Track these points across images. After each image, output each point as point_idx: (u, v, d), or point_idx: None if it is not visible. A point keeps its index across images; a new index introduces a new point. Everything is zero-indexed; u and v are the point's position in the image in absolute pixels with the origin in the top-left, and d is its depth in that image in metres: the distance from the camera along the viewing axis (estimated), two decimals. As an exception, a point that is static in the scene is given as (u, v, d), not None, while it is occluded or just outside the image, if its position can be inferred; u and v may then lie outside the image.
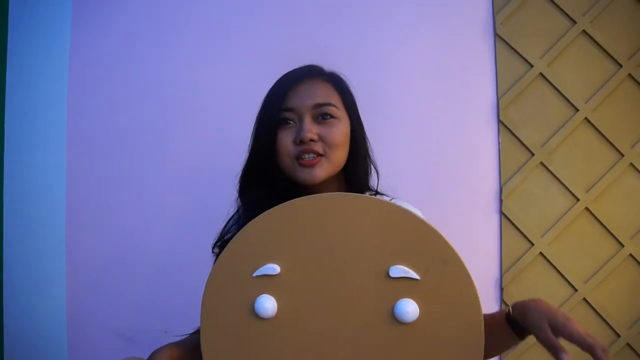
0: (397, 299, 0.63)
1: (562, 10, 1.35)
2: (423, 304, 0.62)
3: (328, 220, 0.66)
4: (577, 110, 1.35)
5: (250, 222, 0.68)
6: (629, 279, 1.37)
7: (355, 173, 0.93)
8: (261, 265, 0.66)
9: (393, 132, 1.34)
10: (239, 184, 0.93)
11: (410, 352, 0.63)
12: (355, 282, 0.64)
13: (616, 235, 1.36)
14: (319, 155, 0.85)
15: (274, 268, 0.66)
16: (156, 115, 1.37)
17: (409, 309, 0.62)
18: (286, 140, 0.86)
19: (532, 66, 1.35)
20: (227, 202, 0.96)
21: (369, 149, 0.96)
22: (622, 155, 1.35)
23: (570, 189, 1.35)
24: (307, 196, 0.68)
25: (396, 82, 1.34)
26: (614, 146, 1.35)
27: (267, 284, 0.66)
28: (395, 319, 0.63)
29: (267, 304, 0.65)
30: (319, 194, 0.67)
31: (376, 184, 0.97)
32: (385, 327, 0.64)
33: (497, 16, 1.36)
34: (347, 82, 0.93)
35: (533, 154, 1.36)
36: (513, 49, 1.35)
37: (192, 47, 1.37)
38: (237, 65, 1.37)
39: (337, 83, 0.92)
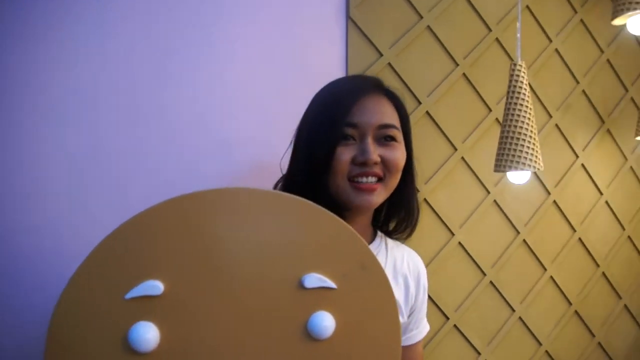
0: (311, 313, 0.53)
1: (411, 3, 1.37)
2: (340, 316, 0.53)
3: (226, 223, 0.52)
4: (420, 103, 1.39)
5: (119, 226, 0.50)
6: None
7: (399, 206, 0.90)
8: (137, 284, 0.49)
9: (232, 122, 1.21)
10: None
11: None
12: (261, 296, 0.52)
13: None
14: (379, 179, 0.80)
15: (156, 286, 0.50)
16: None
17: (326, 322, 0.53)
18: (344, 157, 0.78)
19: (381, 55, 1.34)
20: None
21: (415, 182, 0.91)
22: (455, 150, 1.44)
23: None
24: (197, 192, 0.52)
25: (243, 61, 1.20)
26: (449, 140, 1.43)
27: (146, 307, 0.50)
28: (309, 336, 0.53)
29: (147, 334, 0.49)
30: (214, 189, 0.53)
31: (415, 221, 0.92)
32: (297, 347, 0.53)
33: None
34: (402, 101, 0.87)
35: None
36: (365, 35, 1.33)
37: None
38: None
39: (397, 103, 0.85)
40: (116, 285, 0.49)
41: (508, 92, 1.24)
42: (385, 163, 0.80)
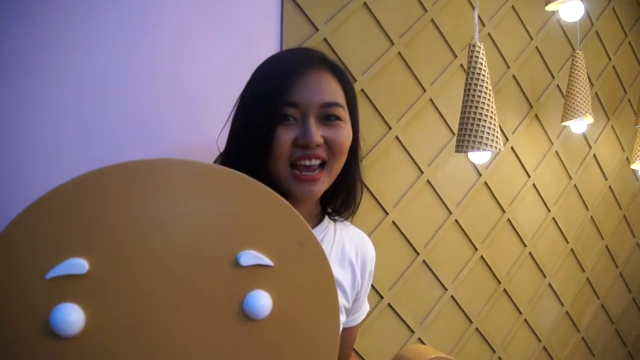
0: (247, 292, 0.49)
1: (347, -22, 1.35)
2: (276, 295, 0.50)
3: (157, 196, 0.47)
4: (356, 80, 1.37)
5: (36, 200, 0.45)
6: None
7: (342, 187, 0.83)
8: (59, 262, 0.44)
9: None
10: None
11: (263, 352, 0.50)
12: (195, 274, 0.48)
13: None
14: (322, 162, 0.74)
15: (80, 264, 0.45)
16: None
17: (262, 302, 0.49)
18: (285, 139, 0.71)
19: (317, 30, 1.31)
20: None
21: (359, 161, 0.85)
22: (390, 128, 1.43)
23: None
24: (126, 162, 0.47)
25: (174, 37, 1.14)
26: (383, 119, 1.42)
27: (69, 288, 0.45)
28: (245, 316, 0.49)
29: (71, 316, 0.44)
30: (145, 159, 0.48)
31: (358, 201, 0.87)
32: (234, 327, 0.49)
33: (287, -30, 1.27)
34: (348, 76, 0.80)
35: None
36: (301, 9, 1.29)
37: None
38: None
39: (342, 78, 0.78)
40: (35, 264, 0.44)
41: (467, 74, 1.24)
42: (329, 145, 0.74)
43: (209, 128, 1.15)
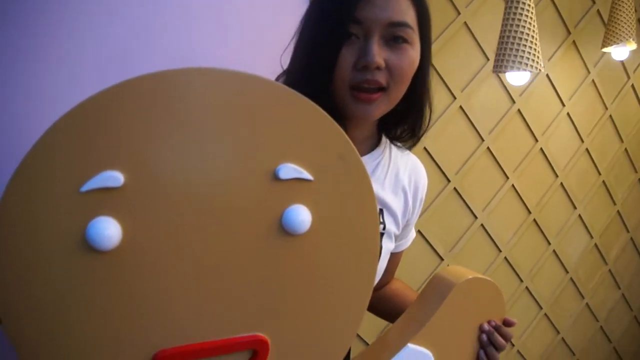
0: (286, 206, 0.48)
1: None
2: (316, 210, 0.48)
3: (192, 106, 0.45)
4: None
5: (67, 112, 0.42)
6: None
7: (406, 113, 0.77)
8: (93, 175, 0.42)
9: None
10: None
11: (300, 269, 0.50)
12: (232, 187, 0.46)
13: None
14: (380, 88, 0.68)
15: (115, 177, 0.43)
16: None
17: (302, 217, 0.48)
18: (346, 61, 0.67)
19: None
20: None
21: (430, 87, 0.78)
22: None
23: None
24: (161, 71, 0.45)
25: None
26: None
27: (105, 201, 0.43)
28: (284, 230, 0.48)
29: (109, 230, 0.42)
30: (175, 69, 0.45)
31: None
32: (272, 242, 0.48)
33: None
34: None
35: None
36: None
37: None
38: None
39: None
40: (69, 177, 0.42)
41: None
42: (390, 69, 0.69)
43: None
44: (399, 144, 0.84)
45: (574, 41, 1.74)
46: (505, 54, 1.17)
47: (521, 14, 1.16)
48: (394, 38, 0.68)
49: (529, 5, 1.16)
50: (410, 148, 0.86)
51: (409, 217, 0.87)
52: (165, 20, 1.03)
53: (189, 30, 1.06)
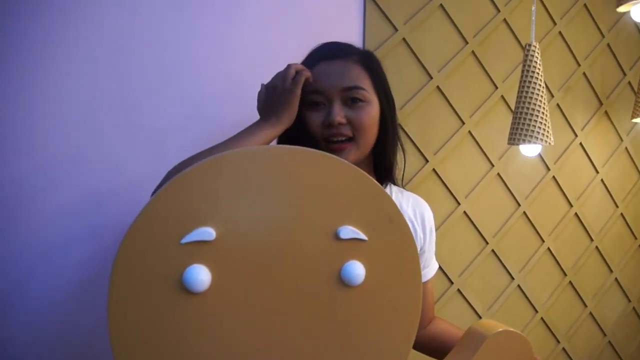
0: (345, 261, 0.57)
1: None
2: (369, 266, 0.58)
3: (271, 177, 0.56)
4: (432, 78, 1.46)
5: (174, 177, 0.54)
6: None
7: (384, 155, 0.95)
8: (192, 230, 0.54)
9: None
10: None
11: (355, 316, 0.59)
12: (301, 244, 0.57)
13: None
14: (348, 138, 0.86)
15: (209, 232, 0.54)
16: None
17: (358, 271, 0.57)
18: (315, 121, 0.87)
19: (397, 30, 1.40)
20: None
21: (398, 131, 0.97)
22: (463, 123, 1.51)
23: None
24: (244, 148, 0.58)
25: (257, 36, 1.26)
26: (457, 114, 1.50)
27: (199, 251, 0.54)
28: (342, 282, 0.58)
29: (201, 276, 0.53)
30: (257, 146, 0.58)
31: (403, 166, 1.01)
32: (332, 292, 0.58)
33: (370, -25, 1.37)
34: (378, 61, 0.94)
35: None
36: (381, 10, 1.39)
37: None
38: None
39: (368, 63, 0.90)
40: (173, 231, 0.53)
41: (522, 71, 1.31)
42: (352, 124, 0.86)
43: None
44: (399, 185, 1.01)
45: (606, 111, 1.84)
46: (518, 129, 1.29)
47: (532, 92, 1.28)
48: (352, 99, 0.87)
49: (540, 84, 1.29)
50: (385, 179, 1.00)
51: (421, 244, 0.99)
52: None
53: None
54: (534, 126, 1.27)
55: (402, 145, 1.00)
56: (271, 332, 0.58)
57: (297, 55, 1.25)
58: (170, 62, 1.14)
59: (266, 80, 0.88)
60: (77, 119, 1.06)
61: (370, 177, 0.59)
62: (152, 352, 0.55)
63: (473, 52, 1.52)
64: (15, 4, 1.01)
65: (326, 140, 0.86)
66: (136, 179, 1.10)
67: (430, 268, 1.03)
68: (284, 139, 0.90)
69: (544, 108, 1.29)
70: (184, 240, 0.54)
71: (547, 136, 1.28)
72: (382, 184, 0.99)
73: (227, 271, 0.55)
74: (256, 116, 0.88)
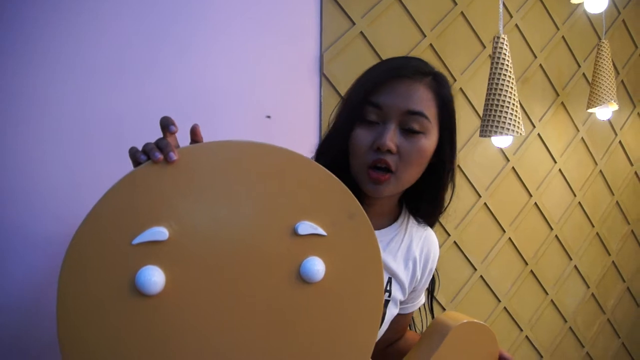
0: (304, 258, 0.57)
1: (381, -25, 1.43)
2: (329, 262, 0.58)
3: (226, 174, 0.55)
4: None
5: (124, 177, 0.53)
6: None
7: (433, 199, 0.85)
8: (143, 230, 0.52)
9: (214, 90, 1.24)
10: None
11: (315, 312, 0.58)
12: (259, 241, 0.56)
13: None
14: (389, 170, 0.75)
15: (162, 232, 0.52)
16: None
17: (317, 267, 0.57)
18: (363, 141, 0.75)
19: (354, 24, 1.40)
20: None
21: (454, 173, 0.85)
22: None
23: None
24: (198, 144, 0.56)
25: (213, 36, 1.23)
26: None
27: (152, 252, 0.52)
28: (301, 279, 0.57)
29: (154, 277, 0.51)
30: (210, 142, 0.56)
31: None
32: (291, 289, 0.57)
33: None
34: (449, 87, 0.81)
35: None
36: (338, 4, 1.38)
37: None
38: None
39: (441, 91, 0.78)
40: (124, 231, 0.52)
41: (492, 63, 1.31)
42: (401, 154, 0.75)
43: (250, 122, 1.25)
44: (419, 219, 0.90)
45: (562, 102, 1.87)
46: (489, 120, 1.30)
47: (502, 84, 1.29)
48: (411, 126, 0.75)
49: (510, 77, 1.29)
50: (431, 226, 0.92)
51: (415, 285, 0.92)
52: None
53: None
54: (505, 118, 1.27)
55: (452, 191, 0.88)
56: (229, 332, 0.56)
57: (250, 47, 1.24)
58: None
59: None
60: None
61: (330, 173, 0.58)
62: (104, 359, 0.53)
63: (431, 45, 1.52)
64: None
65: (370, 165, 0.75)
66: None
67: (414, 304, 0.98)
68: (324, 148, 0.82)
69: (514, 99, 1.29)
70: (135, 241, 0.52)
71: (518, 127, 1.29)
72: (400, 215, 0.90)
73: (182, 272, 0.54)
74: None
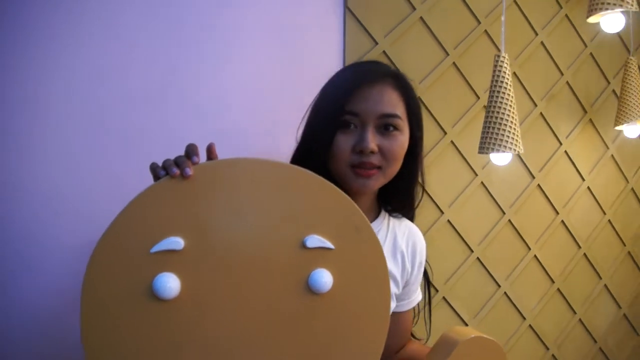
0: (312, 269, 0.60)
1: (405, -5, 1.47)
2: (337, 274, 0.61)
3: (239, 189, 0.59)
4: (413, 89, 1.48)
5: (143, 190, 0.58)
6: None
7: (404, 188, 0.94)
8: (161, 239, 0.57)
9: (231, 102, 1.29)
10: None
11: (323, 322, 0.61)
12: (269, 253, 0.60)
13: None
14: (376, 167, 0.83)
15: (178, 242, 0.57)
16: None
17: (325, 279, 0.60)
18: (345, 145, 0.83)
19: (377, 43, 1.43)
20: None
21: (422, 165, 0.95)
22: (445, 133, 1.53)
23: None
24: (213, 161, 0.61)
25: (241, 52, 1.28)
26: (439, 125, 1.52)
27: (169, 260, 0.57)
28: (309, 290, 0.60)
29: (170, 283, 0.56)
30: (227, 159, 0.61)
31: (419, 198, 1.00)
32: (300, 300, 0.61)
33: (349, -10, 1.40)
34: (411, 86, 0.90)
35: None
36: (361, 24, 1.42)
37: None
38: None
39: (405, 90, 0.88)
40: (143, 241, 0.56)
41: (492, 81, 1.34)
42: (383, 152, 0.83)
43: (275, 136, 1.29)
44: (396, 214, 0.98)
45: (590, 119, 1.86)
46: (487, 138, 1.31)
47: (501, 102, 1.30)
48: (386, 126, 0.84)
49: (509, 95, 1.31)
50: (411, 220, 1.00)
51: (407, 277, 0.98)
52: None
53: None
54: (503, 135, 1.29)
55: (423, 180, 0.97)
56: (239, 337, 0.60)
57: (276, 68, 1.29)
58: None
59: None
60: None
61: (337, 188, 0.62)
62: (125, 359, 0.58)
63: (454, 63, 1.54)
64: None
65: (354, 165, 0.83)
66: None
67: (411, 300, 1.02)
68: (303, 154, 0.89)
69: (513, 117, 1.31)
70: (153, 250, 0.57)
71: (516, 145, 1.30)
72: (380, 213, 0.97)
73: (196, 279, 0.58)
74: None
